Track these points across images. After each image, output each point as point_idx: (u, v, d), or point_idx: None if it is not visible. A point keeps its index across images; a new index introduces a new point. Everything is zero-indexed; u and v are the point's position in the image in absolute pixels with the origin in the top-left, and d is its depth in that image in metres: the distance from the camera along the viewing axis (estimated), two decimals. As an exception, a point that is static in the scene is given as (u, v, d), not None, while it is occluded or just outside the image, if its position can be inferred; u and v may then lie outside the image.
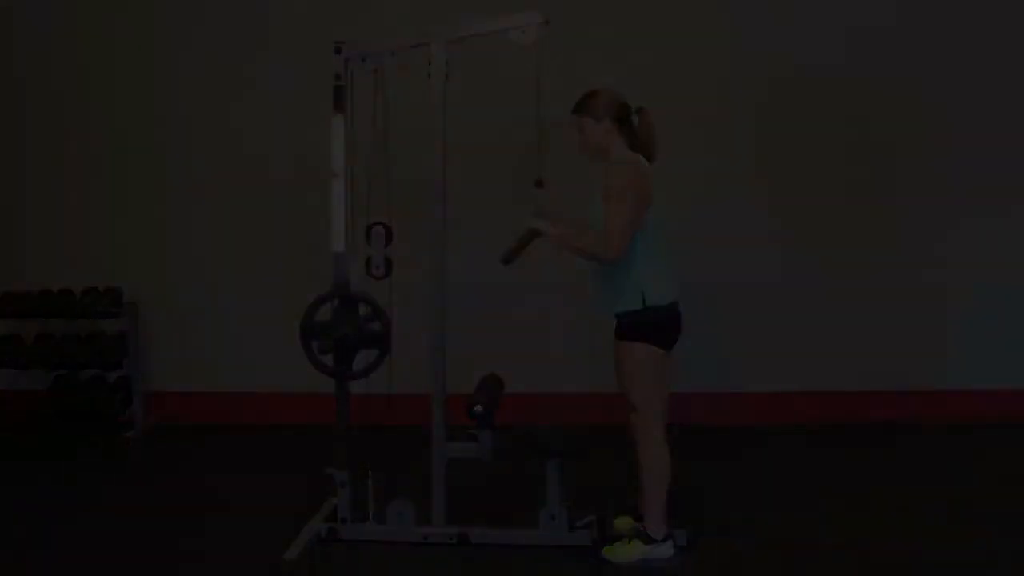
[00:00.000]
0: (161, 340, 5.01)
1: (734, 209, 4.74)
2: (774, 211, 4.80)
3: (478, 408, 3.14)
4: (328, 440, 3.34)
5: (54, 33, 4.97)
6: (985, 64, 4.76)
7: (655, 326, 3.02)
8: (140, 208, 4.99)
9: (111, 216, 5.00)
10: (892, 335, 4.83)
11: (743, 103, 4.78)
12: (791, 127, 4.80)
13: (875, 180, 4.80)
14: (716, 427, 4.69)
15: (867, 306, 4.83)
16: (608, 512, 3.35)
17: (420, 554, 3.19)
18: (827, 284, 4.82)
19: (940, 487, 3.81)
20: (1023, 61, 4.76)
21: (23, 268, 4.99)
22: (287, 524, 3.35)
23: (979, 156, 4.76)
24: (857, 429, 4.69)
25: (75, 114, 4.98)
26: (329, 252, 3.31)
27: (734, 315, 4.76)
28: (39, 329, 4.89)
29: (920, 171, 4.79)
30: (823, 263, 4.82)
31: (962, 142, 4.76)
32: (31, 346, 4.85)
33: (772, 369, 4.85)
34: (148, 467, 4.31)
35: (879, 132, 4.79)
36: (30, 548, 3.28)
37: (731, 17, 4.78)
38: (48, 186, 5.03)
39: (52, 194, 5.03)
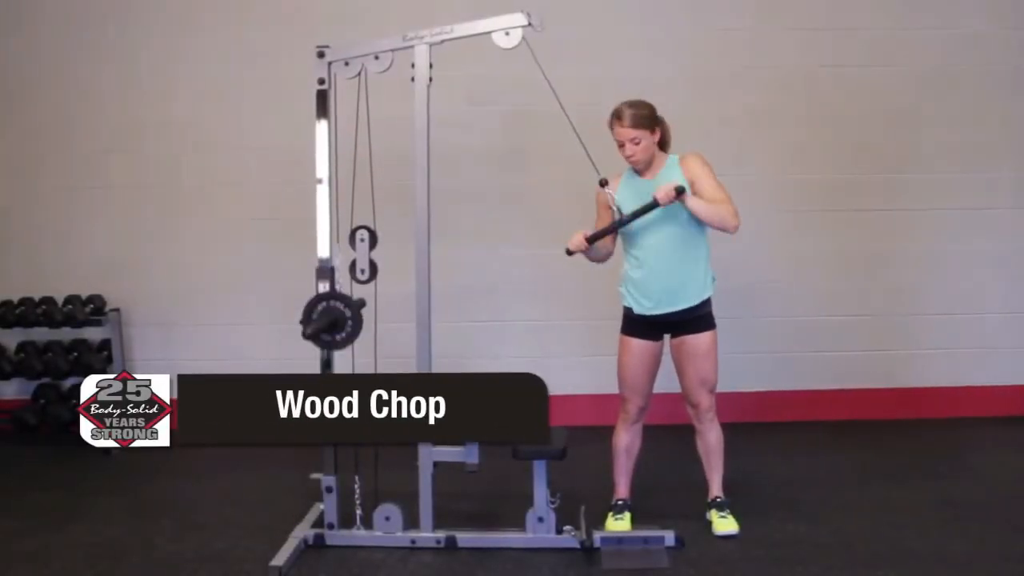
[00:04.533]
0: (145, 347, 4.97)
1: (742, 208, 4.73)
2: (778, 211, 4.83)
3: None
4: (314, 446, 3.32)
5: (36, 38, 4.92)
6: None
7: None
8: (123, 214, 4.94)
9: (93, 223, 4.95)
10: (892, 335, 4.87)
11: (746, 103, 4.81)
12: (793, 127, 4.83)
13: (879, 183, 4.85)
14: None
15: (868, 305, 4.87)
16: (594, 512, 3.36)
17: (408, 558, 3.18)
18: (828, 283, 4.87)
19: (933, 483, 3.84)
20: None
21: (4, 277, 4.94)
22: (274, 530, 3.33)
23: (982, 157, 4.81)
24: (857, 428, 4.72)
25: (56, 119, 4.93)
26: (314, 257, 3.30)
27: (733, 315, 4.76)
28: (21, 338, 4.85)
29: (921, 172, 4.83)
30: (828, 260, 4.87)
31: (965, 145, 4.80)
32: (13, 355, 4.80)
33: (770, 368, 4.88)
34: (132, 475, 4.28)
35: (882, 133, 4.83)
36: (14, 559, 3.24)
37: (734, 18, 4.80)
38: (29, 193, 4.98)
39: (33, 201, 4.97)
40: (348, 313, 3.17)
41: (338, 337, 3.18)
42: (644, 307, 3.25)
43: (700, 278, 3.24)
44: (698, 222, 3.18)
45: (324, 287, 3.26)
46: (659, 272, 3.21)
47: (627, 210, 3.19)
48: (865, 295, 4.88)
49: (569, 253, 3.25)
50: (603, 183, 3.21)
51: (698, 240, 3.24)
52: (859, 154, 4.83)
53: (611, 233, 3.25)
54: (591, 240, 3.20)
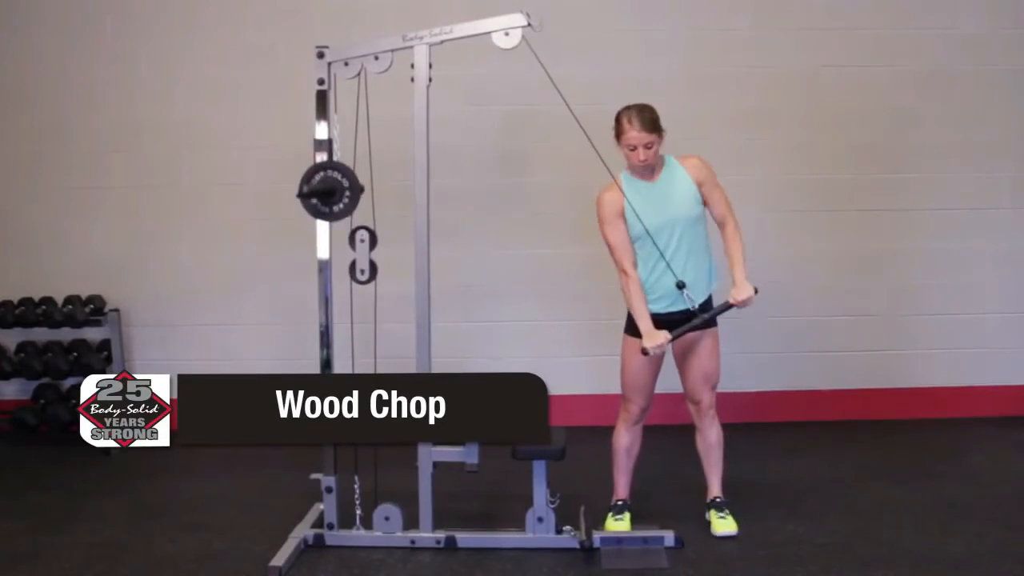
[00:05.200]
0: (144, 348, 4.97)
1: (742, 209, 4.73)
2: (778, 211, 4.83)
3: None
4: (314, 445, 3.32)
5: (36, 38, 4.92)
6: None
7: None
8: (122, 214, 4.94)
9: (93, 223, 4.95)
10: (892, 335, 4.87)
11: (746, 103, 4.80)
12: (793, 127, 4.83)
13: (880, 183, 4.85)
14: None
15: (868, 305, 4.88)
16: (594, 512, 3.36)
17: (407, 558, 3.18)
18: (828, 283, 4.87)
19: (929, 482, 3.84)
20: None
21: (4, 277, 4.94)
22: (273, 530, 3.33)
23: (981, 157, 4.82)
24: (856, 428, 4.73)
25: (56, 120, 4.93)
26: (313, 258, 3.30)
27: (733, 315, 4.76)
28: (21, 338, 4.85)
29: (921, 172, 4.83)
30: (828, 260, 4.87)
31: (965, 145, 4.80)
32: (13, 355, 4.80)
33: (770, 368, 4.88)
34: (132, 475, 4.28)
35: (882, 133, 4.83)
36: (14, 559, 3.24)
37: (734, 18, 4.79)
38: (28, 193, 4.97)
39: (33, 201, 4.97)
40: (346, 183, 3.12)
41: (335, 208, 3.12)
42: (661, 305, 3.24)
43: (705, 276, 3.28)
44: (702, 224, 3.25)
45: (322, 158, 3.22)
46: (667, 272, 3.21)
47: (639, 210, 3.17)
48: (865, 295, 4.88)
49: (645, 353, 3.16)
50: (680, 286, 3.19)
51: (703, 234, 3.29)
52: (859, 154, 4.83)
53: (693, 330, 3.21)
54: (675, 338, 3.18)
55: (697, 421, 3.38)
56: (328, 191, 3.11)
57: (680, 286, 3.19)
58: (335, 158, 3.28)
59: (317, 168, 3.16)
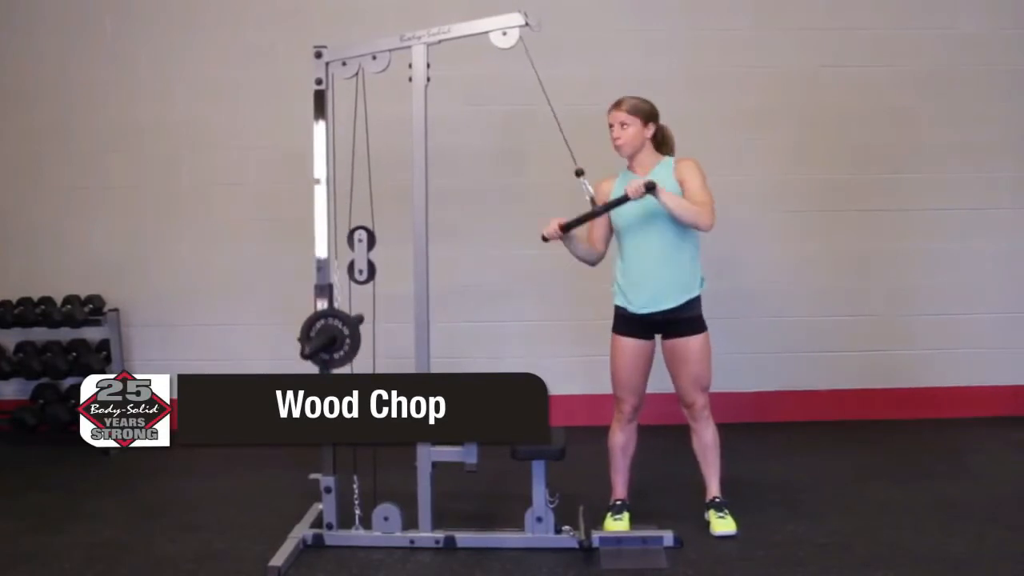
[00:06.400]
0: (143, 348, 4.97)
1: (743, 209, 4.76)
2: (778, 211, 4.83)
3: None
4: (314, 445, 3.32)
5: (36, 38, 4.92)
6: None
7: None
8: (122, 214, 4.94)
9: (92, 223, 4.95)
10: (892, 335, 4.88)
11: (746, 103, 4.80)
12: (793, 127, 4.83)
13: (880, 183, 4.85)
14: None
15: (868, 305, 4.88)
16: (593, 512, 3.36)
17: (407, 558, 3.17)
18: (828, 283, 4.88)
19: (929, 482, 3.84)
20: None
21: (3, 276, 4.94)
22: (273, 530, 3.33)
23: (982, 157, 4.82)
24: (856, 428, 4.73)
25: (55, 120, 4.93)
26: (312, 257, 3.31)
27: (733, 315, 4.77)
28: (20, 338, 4.85)
29: (921, 172, 4.83)
30: (828, 260, 4.87)
31: (965, 145, 4.81)
32: (12, 355, 4.81)
33: (770, 368, 4.88)
34: (132, 475, 4.28)
35: (882, 133, 4.83)
36: (14, 559, 3.24)
37: (734, 18, 4.80)
38: (28, 193, 4.98)
39: (32, 201, 4.97)
40: (346, 331, 3.18)
41: (336, 355, 3.19)
42: (635, 305, 3.27)
43: (684, 279, 3.26)
44: (683, 226, 3.22)
45: (322, 305, 3.27)
46: (644, 272, 3.25)
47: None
48: (864, 295, 4.88)
49: (544, 239, 3.29)
50: (579, 172, 3.20)
51: (682, 242, 3.25)
52: (859, 154, 4.83)
53: (584, 223, 3.26)
54: (565, 228, 3.24)
55: (692, 423, 3.39)
56: (330, 342, 3.17)
57: (579, 173, 3.18)
58: (333, 158, 3.28)
59: (316, 317, 3.21)
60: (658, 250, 3.23)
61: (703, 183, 3.23)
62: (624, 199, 3.12)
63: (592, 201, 3.21)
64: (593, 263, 3.43)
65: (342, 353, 3.18)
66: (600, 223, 3.35)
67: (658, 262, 3.23)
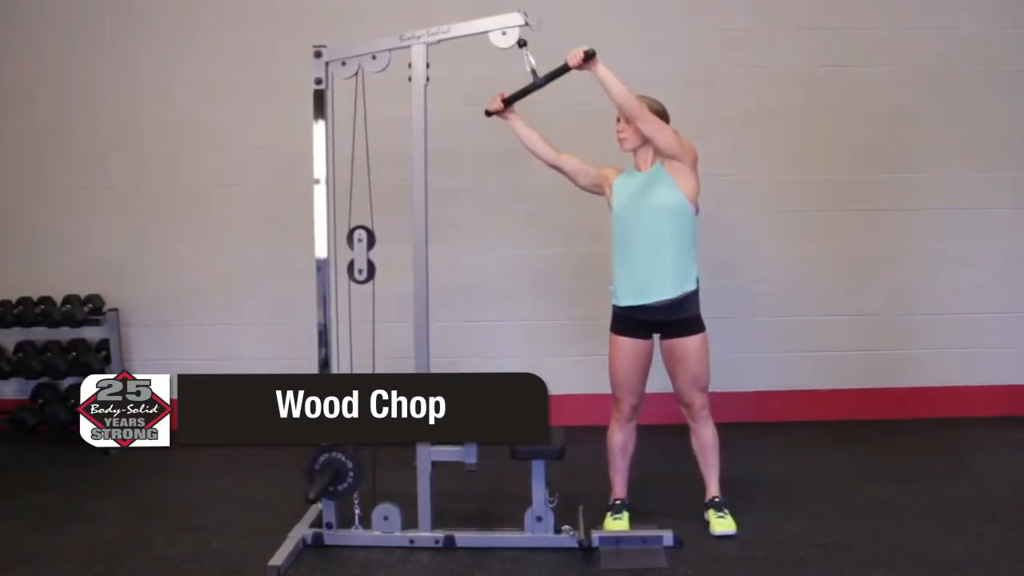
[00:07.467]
0: (143, 347, 4.97)
1: (742, 209, 4.78)
2: (777, 211, 4.83)
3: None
4: (315, 446, 3.32)
5: (35, 38, 4.92)
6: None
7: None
8: (121, 214, 4.94)
9: (92, 223, 4.95)
10: (892, 335, 4.88)
11: (745, 103, 4.80)
12: (793, 127, 4.83)
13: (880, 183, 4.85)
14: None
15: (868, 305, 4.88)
16: (592, 512, 3.36)
17: (406, 558, 3.17)
18: (828, 283, 4.88)
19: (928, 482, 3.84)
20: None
21: (3, 276, 4.94)
22: (273, 530, 3.33)
23: (981, 157, 4.82)
24: (855, 428, 4.73)
25: (55, 120, 4.93)
26: (311, 257, 3.31)
27: (733, 315, 4.78)
28: (20, 337, 4.85)
29: (921, 172, 4.83)
30: (828, 260, 4.87)
31: (965, 145, 4.81)
32: (12, 355, 4.81)
33: (769, 368, 4.88)
34: (131, 475, 4.28)
35: (882, 133, 4.83)
36: (14, 559, 3.24)
37: (734, 18, 4.79)
38: (28, 193, 4.98)
39: (32, 201, 4.97)
40: (350, 464, 3.21)
41: (340, 488, 3.22)
42: (627, 296, 3.26)
43: (676, 269, 3.22)
44: (673, 219, 3.21)
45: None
46: (633, 257, 3.24)
47: (617, 191, 3.28)
48: (864, 295, 4.88)
49: (488, 114, 3.34)
50: (521, 43, 3.11)
51: (675, 233, 3.22)
52: (859, 154, 4.83)
53: (526, 95, 3.25)
54: (507, 101, 3.29)
55: (691, 422, 3.39)
56: (334, 476, 3.20)
57: (521, 44, 3.10)
58: (333, 158, 3.29)
59: (320, 451, 3.22)
60: (650, 237, 3.21)
61: (675, 136, 3.22)
62: (565, 68, 3.12)
63: (533, 72, 3.17)
64: (544, 160, 3.45)
65: (345, 486, 3.22)
66: (577, 163, 3.40)
67: (649, 249, 3.21)
